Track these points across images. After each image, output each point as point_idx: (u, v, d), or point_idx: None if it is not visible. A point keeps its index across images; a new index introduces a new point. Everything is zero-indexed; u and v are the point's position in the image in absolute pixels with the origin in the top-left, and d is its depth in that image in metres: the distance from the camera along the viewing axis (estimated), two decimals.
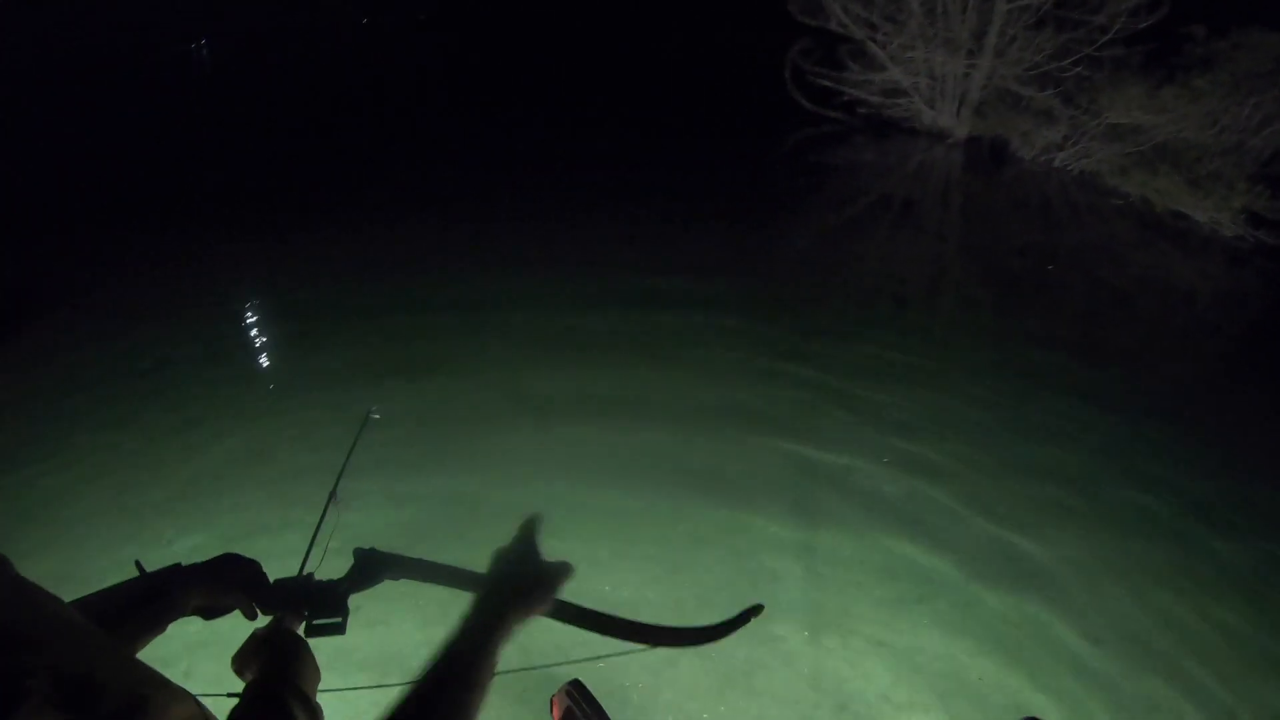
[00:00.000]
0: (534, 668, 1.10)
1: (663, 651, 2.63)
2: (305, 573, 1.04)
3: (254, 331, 5.32)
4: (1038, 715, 1.00)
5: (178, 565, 0.96)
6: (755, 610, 1.05)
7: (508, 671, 0.86)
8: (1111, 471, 4.09)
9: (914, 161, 9.76)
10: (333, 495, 1.22)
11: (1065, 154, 9.25)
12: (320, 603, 0.99)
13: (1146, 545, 3.62)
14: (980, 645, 3.03)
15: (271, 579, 1.02)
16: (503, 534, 0.99)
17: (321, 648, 0.93)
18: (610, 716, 1.29)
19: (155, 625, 0.89)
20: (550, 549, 0.96)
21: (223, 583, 0.96)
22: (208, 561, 0.97)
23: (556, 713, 1.37)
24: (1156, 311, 6.41)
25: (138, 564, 0.96)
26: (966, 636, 3.06)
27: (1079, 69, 9.11)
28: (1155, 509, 3.83)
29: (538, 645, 2.60)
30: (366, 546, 1.03)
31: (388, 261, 6.26)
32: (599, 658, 1.10)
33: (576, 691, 1.36)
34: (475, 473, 3.81)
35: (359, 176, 8.47)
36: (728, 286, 5.95)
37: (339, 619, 0.99)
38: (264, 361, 4.88)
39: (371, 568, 1.01)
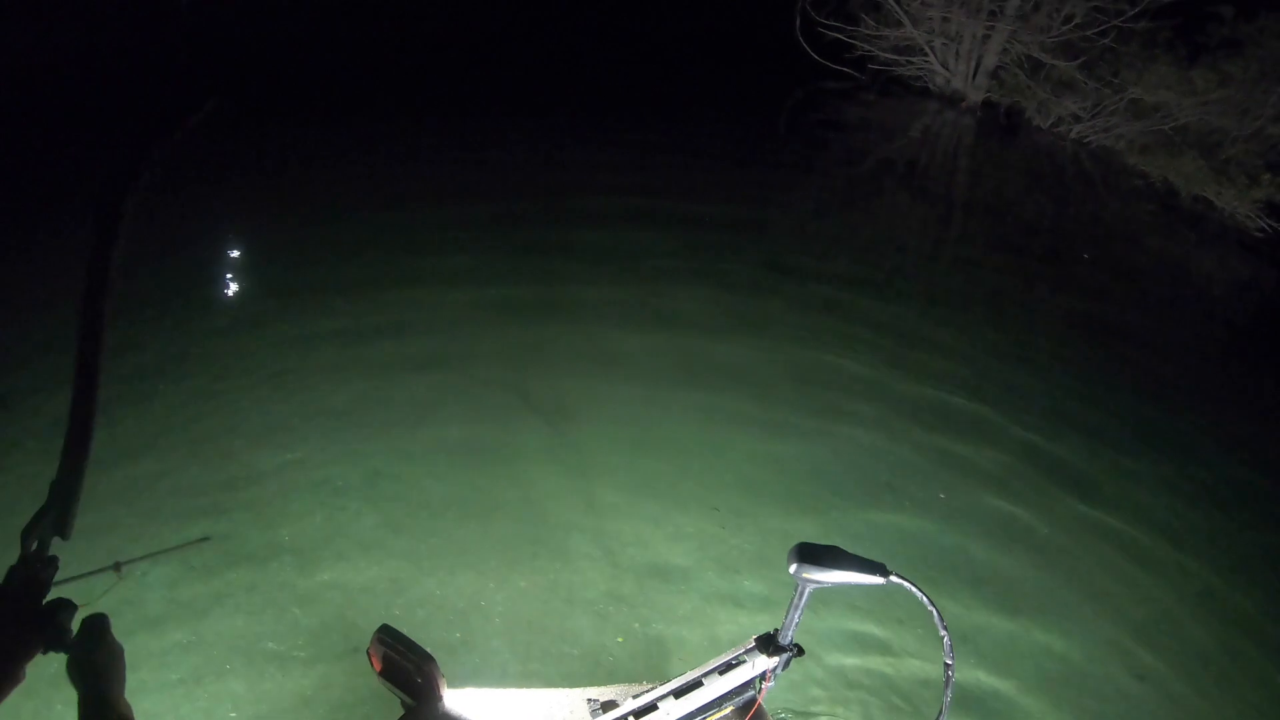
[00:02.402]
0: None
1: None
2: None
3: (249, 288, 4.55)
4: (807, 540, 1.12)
5: None
6: None
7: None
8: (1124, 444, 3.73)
9: (924, 124, 9.26)
10: (118, 566, 1.28)
11: (1082, 126, 8.86)
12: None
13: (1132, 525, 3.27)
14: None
15: None
16: None
17: None
18: (425, 647, 1.31)
19: None
20: None
21: None
22: None
23: (378, 663, 1.37)
24: (1170, 296, 6.06)
25: None
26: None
27: (1107, 40, 8.66)
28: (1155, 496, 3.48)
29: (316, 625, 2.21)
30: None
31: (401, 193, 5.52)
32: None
33: (388, 636, 1.36)
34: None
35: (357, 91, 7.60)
36: (737, 248, 5.34)
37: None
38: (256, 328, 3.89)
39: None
